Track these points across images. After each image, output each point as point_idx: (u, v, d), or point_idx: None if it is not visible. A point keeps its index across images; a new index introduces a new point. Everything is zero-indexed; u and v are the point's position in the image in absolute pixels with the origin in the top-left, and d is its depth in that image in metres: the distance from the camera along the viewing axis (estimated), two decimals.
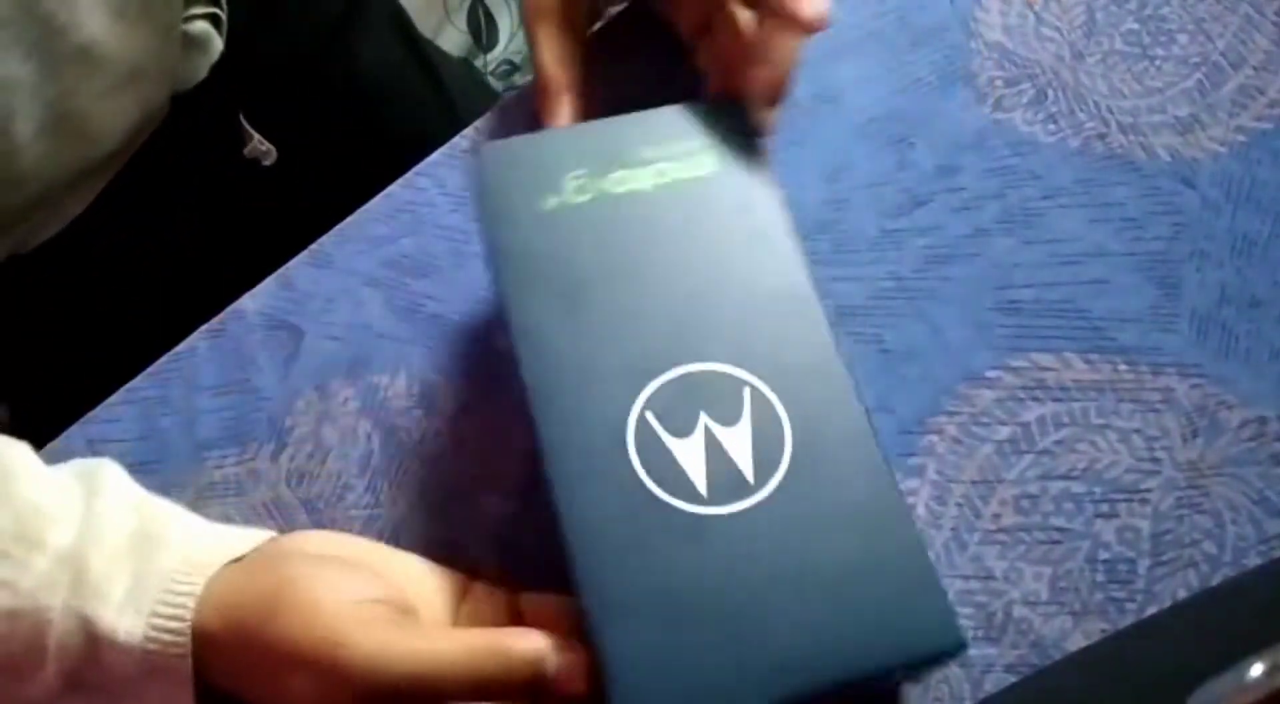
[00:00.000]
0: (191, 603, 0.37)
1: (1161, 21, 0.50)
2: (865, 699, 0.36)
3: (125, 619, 0.36)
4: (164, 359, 0.49)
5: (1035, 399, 0.45)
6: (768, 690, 0.34)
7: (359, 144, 0.65)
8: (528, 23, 0.47)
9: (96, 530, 0.37)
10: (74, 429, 0.48)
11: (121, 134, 0.53)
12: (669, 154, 0.43)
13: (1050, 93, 0.49)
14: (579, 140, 0.43)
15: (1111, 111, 0.49)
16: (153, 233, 0.60)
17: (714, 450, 0.37)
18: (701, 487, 0.37)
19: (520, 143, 0.43)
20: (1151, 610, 0.41)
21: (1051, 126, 0.49)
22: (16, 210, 0.52)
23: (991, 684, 0.41)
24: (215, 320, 0.50)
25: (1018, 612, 0.42)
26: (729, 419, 0.38)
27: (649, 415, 0.38)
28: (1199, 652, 0.36)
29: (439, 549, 0.46)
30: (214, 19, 0.56)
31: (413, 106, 0.69)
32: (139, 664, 0.36)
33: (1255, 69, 0.49)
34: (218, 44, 0.56)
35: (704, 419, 0.38)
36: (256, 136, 0.56)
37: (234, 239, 0.62)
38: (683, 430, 0.38)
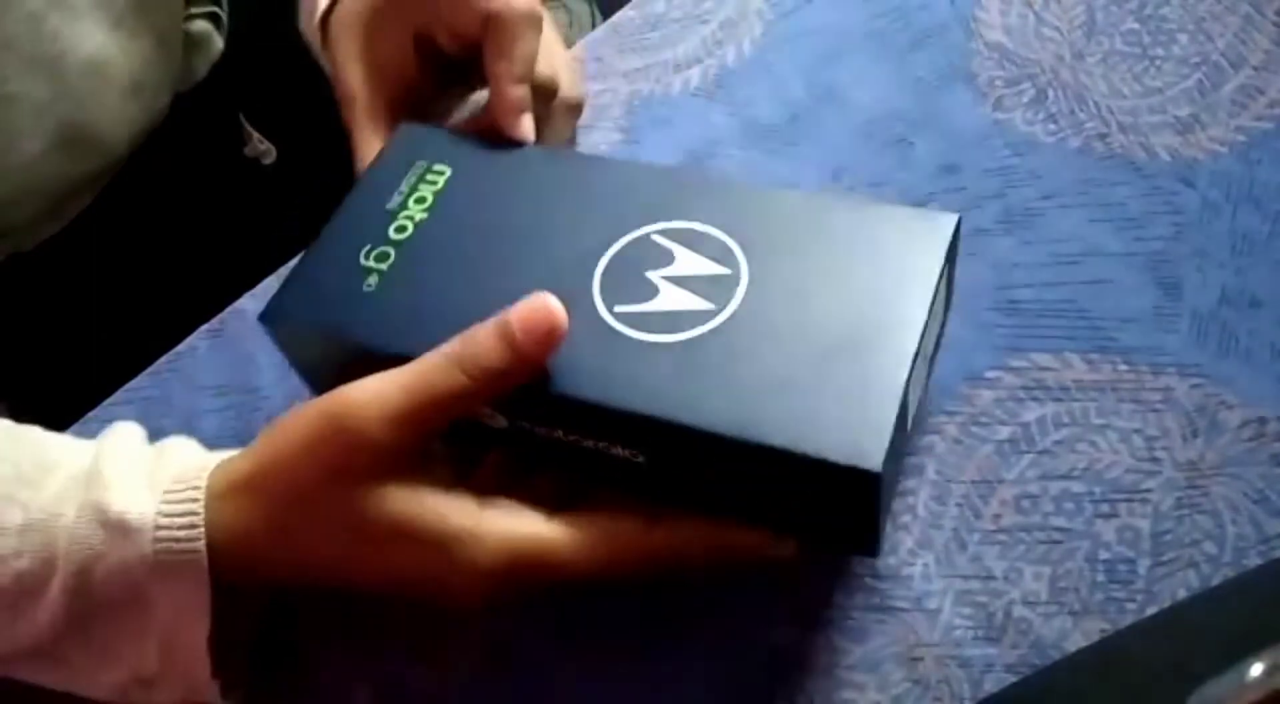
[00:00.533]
0: (204, 478, 0.37)
1: (1162, 21, 0.50)
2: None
3: (137, 499, 0.36)
4: (164, 359, 0.49)
5: (1035, 399, 0.45)
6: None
7: None
8: (342, 112, 0.46)
9: (110, 452, 0.38)
10: (74, 429, 0.48)
11: (127, 141, 0.53)
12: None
13: (1051, 93, 0.49)
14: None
15: (1112, 111, 0.49)
16: (153, 232, 0.60)
17: (674, 292, 0.39)
18: (674, 322, 0.39)
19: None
20: (1151, 610, 0.41)
21: (1052, 126, 0.49)
22: (22, 218, 0.52)
23: (991, 684, 0.41)
24: (215, 320, 0.50)
25: (1018, 612, 0.42)
26: (677, 262, 0.40)
27: (606, 289, 0.40)
28: (1199, 652, 0.36)
29: None
30: (214, 18, 0.56)
31: None
32: (149, 562, 0.36)
33: (1255, 69, 0.49)
34: (218, 44, 0.56)
35: (658, 275, 0.40)
36: (256, 136, 0.57)
37: (234, 239, 0.62)
38: (643, 293, 0.39)
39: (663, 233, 0.41)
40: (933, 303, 0.38)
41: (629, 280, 0.40)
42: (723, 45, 0.52)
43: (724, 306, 0.39)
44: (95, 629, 0.37)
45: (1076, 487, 0.43)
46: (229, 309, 0.50)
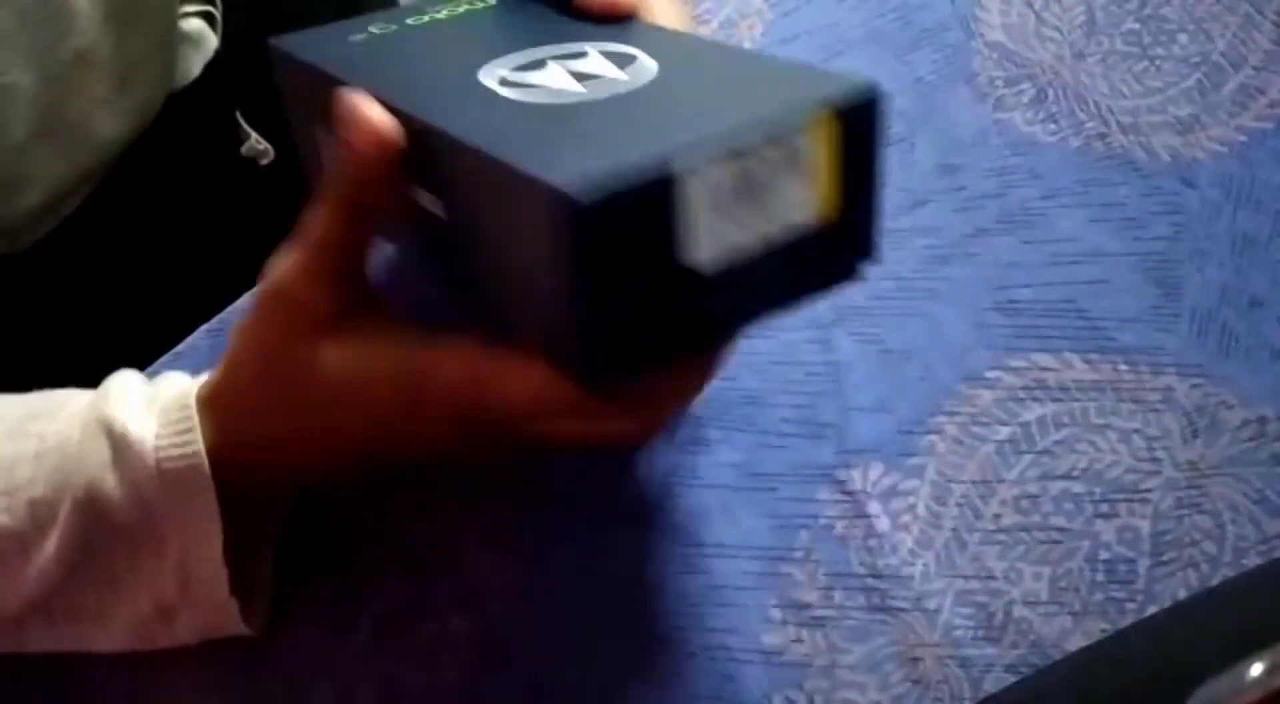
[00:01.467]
0: (193, 395, 0.38)
1: (1162, 21, 0.50)
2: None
3: (138, 418, 0.38)
4: (164, 359, 0.49)
5: (1035, 399, 0.45)
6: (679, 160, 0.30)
7: None
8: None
9: (114, 384, 0.40)
10: None
11: (119, 137, 0.53)
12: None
13: (1050, 92, 0.49)
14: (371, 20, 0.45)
15: (1112, 111, 0.49)
16: (151, 231, 0.60)
17: (563, 76, 0.36)
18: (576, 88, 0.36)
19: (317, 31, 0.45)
20: (1151, 610, 0.41)
21: (1052, 126, 0.49)
22: (13, 214, 0.52)
23: (991, 684, 0.41)
24: (215, 320, 0.50)
25: (1018, 612, 0.42)
26: (578, 57, 0.38)
27: (505, 75, 0.37)
28: (1199, 652, 0.36)
29: (439, 549, 0.46)
30: (208, 16, 0.56)
31: None
32: (154, 475, 0.37)
33: (1255, 69, 0.49)
34: (212, 41, 0.56)
35: (555, 63, 0.37)
36: (254, 135, 0.56)
37: (232, 239, 0.62)
38: (534, 69, 0.37)
39: (591, 48, 0.38)
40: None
41: (529, 64, 0.38)
42: None
43: (605, 90, 0.35)
44: (109, 556, 0.38)
45: (1076, 487, 0.43)
46: (229, 309, 0.50)
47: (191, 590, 0.39)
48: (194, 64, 0.55)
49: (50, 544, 0.38)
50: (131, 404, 0.39)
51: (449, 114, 0.35)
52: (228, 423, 0.38)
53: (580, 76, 0.37)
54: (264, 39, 0.49)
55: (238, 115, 0.57)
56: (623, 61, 0.38)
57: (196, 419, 0.38)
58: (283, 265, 0.38)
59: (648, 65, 0.37)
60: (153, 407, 0.39)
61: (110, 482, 0.37)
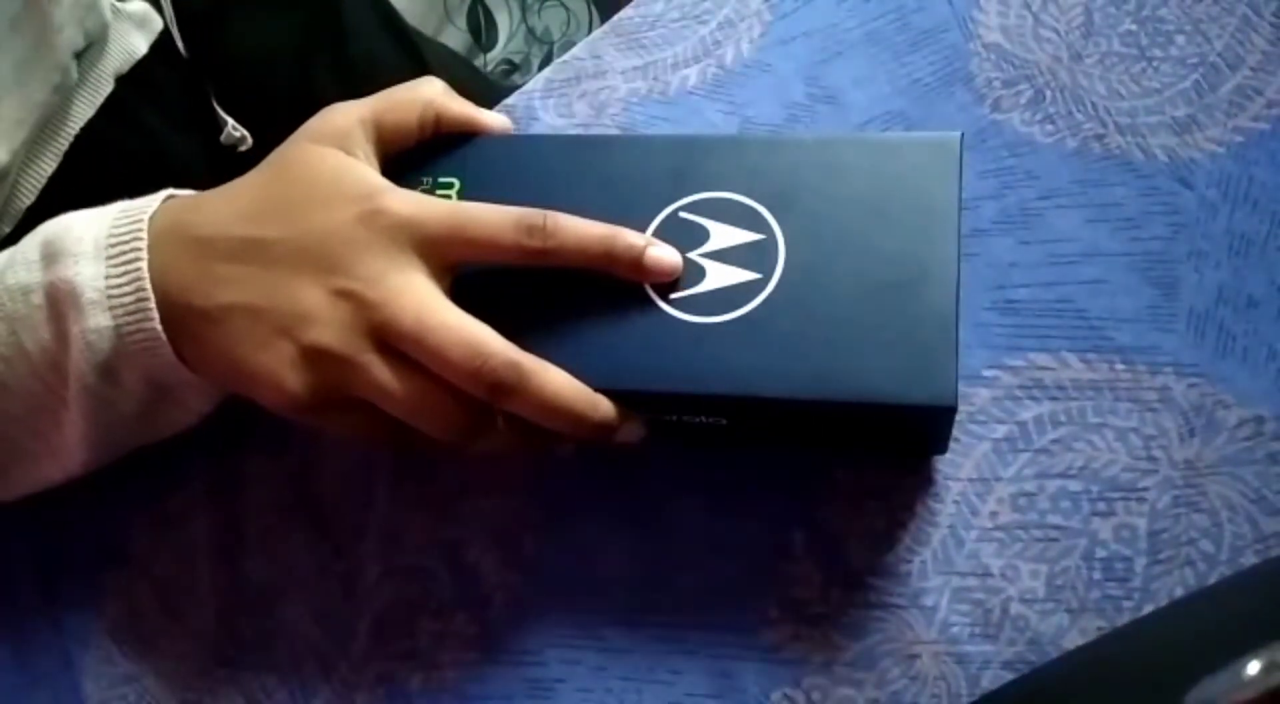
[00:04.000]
0: (144, 217, 0.42)
1: (1159, 23, 0.50)
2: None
3: (86, 268, 0.41)
4: None
5: (1033, 398, 0.45)
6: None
7: None
8: None
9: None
10: None
11: (33, 119, 0.51)
12: None
13: (1048, 94, 0.50)
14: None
15: (1109, 112, 0.49)
16: None
17: (719, 269, 0.41)
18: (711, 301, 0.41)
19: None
20: (1148, 609, 0.41)
21: (1049, 127, 0.49)
22: None
23: (988, 681, 0.41)
24: None
25: (1015, 609, 0.42)
26: (713, 238, 0.42)
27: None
28: (1195, 650, 0.36)
29: (440, 550, 0.46)
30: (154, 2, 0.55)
31: None
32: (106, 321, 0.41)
33: (1253, 70, 0.49)
34: (157, 23, 0.55)
35: (698, 254, 0.42)
36: (231, 122, 0.56)
37: None
38: (692, 277, 0.41)
39: (689, 208, 0.42)
40: (959, 226, 0.40)
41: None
42: (721, 45, 0.53)
43: (770, 273, 0.41)
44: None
45: (1073, 485, 0.43)
46: None
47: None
48: (138, 43, 0.54)
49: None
50: (81, 250, 0.41)
51: (690, 370, 0.40)
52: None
53: (723, 255, 0.42)
54: (229, 22, 0.50)
55: (214, 103, 0.56)
56: (730, 213, 0.42)
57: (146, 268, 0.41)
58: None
59: (762, 216, 0.42)
60: (98, 244, 0.42)
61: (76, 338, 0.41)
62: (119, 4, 0.53)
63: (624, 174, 0.43)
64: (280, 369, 0.40)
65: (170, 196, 0.44)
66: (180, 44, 0.55)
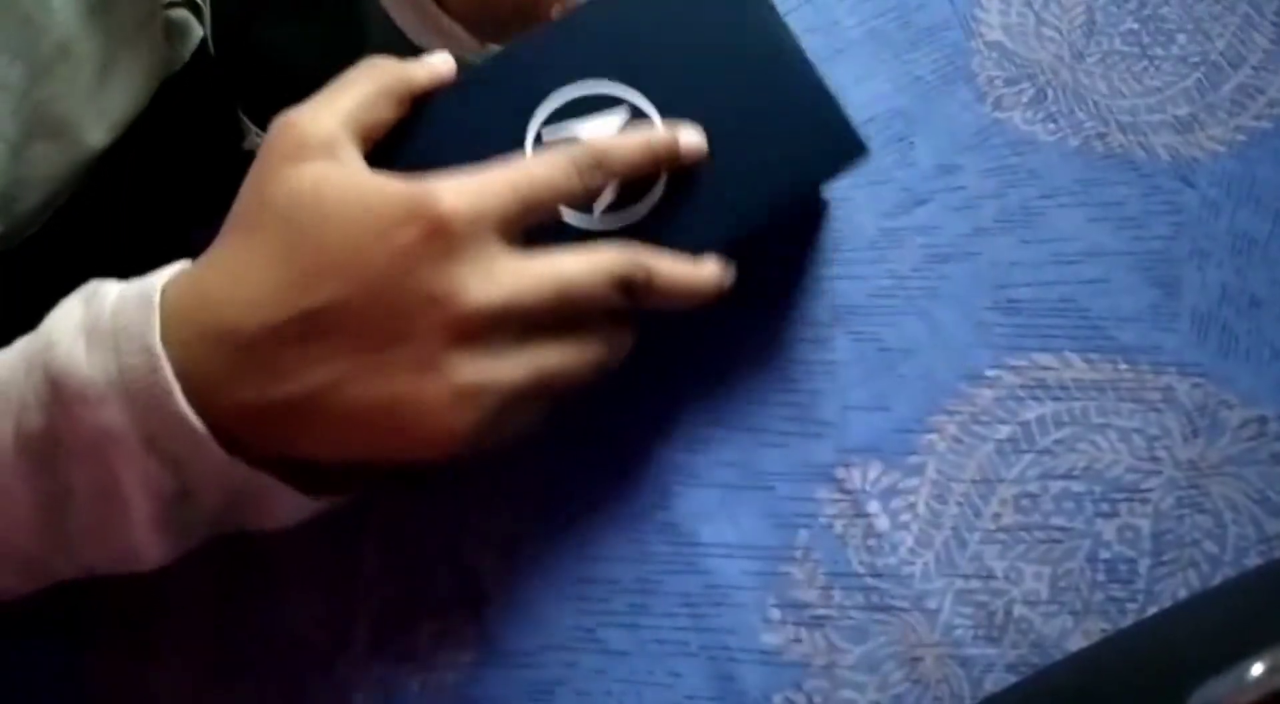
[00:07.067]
0: (156, 295, 0.36)
1: (1161, 21, 0.50)
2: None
3: (109, 414, 0.35)
4: None
5: (1035, 398, 0.45)
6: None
7: None
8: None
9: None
10: None
11: (107, 131, 0.53)
12: None
13: (1050, 92, 0.49)
14: None
15: (1111, 111, 0.49)
16: (152, 226, 0.59)
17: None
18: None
19: None
20: (1152, 610, 0.41)
21: (1051, 126, 0.49)
22: (14, 221, 0.52)
23: (992, 684, 0.41)
24: None
25: (1018, 611, 0.42)
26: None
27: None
28: (1199, 651, 0.36)
29: (440, 550, 0.46)
30: (193, 7, 0.56)
31: None
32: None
33: (1255, 68, 0.49)
34: (197, 30, 0.56)
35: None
36: (255, 129, 0.56)
37: None
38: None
39: (549, 125, 0.43)
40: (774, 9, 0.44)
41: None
42: None
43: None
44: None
45: (1077, 486, 0.43)
46: None
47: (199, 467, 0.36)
48: (181, 53, 0.55)
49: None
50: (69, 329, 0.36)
51: None
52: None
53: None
54: (257, 31, 0.50)
55: (239, 111, 0.57)
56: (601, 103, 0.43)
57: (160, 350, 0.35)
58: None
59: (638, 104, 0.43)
60: (100, 330, 0.36)
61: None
62: (167, 11, 0.54)
63: (479, 119, 0.43)
64: (434, 421, 0.36)
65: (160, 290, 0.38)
66: (213, 52, 0.56)
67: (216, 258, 0.38)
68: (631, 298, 0.39)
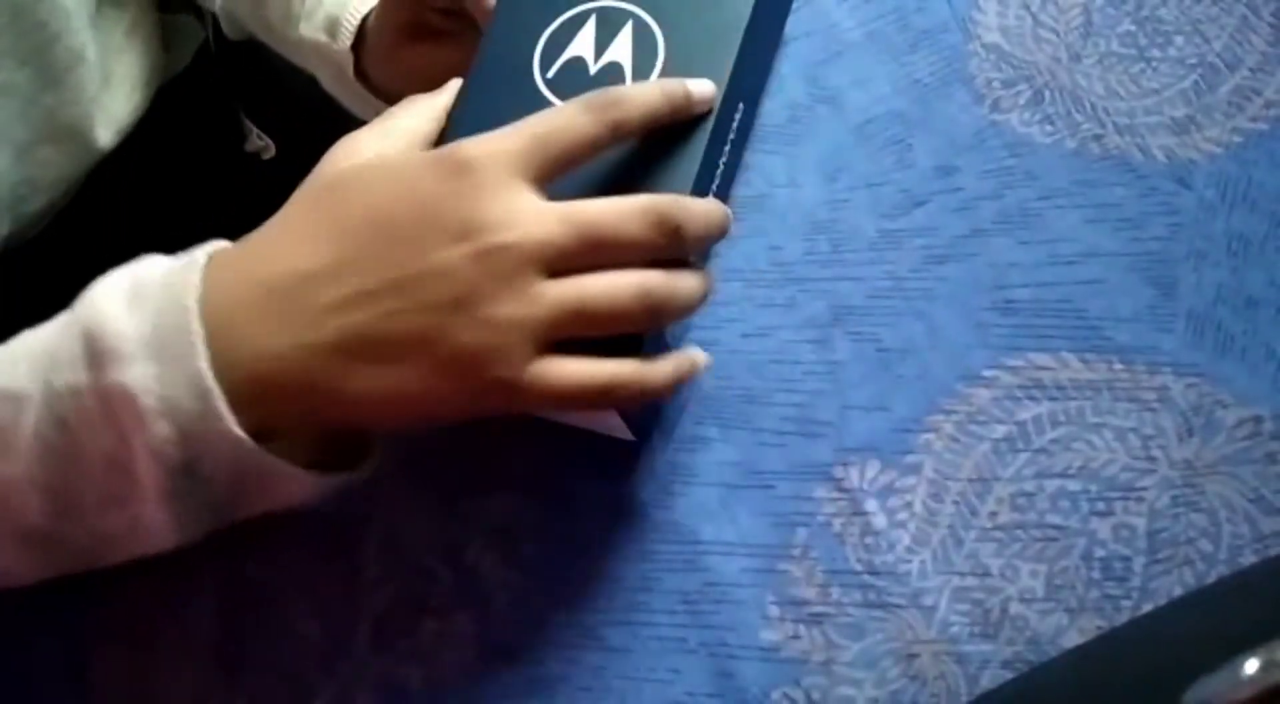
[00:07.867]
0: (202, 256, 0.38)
1: (1158, 23, 0.50)
2: None
3: (136, 370, 0.36)
4: None
5: (1032, 398, 0.45)
6: None
7: None
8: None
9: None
10: None
11: (114, 133, 0.53)
12: None
13: (1047, 94, 0.50)
14: None
15: (1108, 113, 0.49)
16: (152, 227, 0.60)
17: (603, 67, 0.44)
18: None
19: None
20: (1147, 608, 0.41)
21: (1049, 127, 0.49)
22: (22, 221, 0.52)
23: (987, 681, 0.41)
24: None
25: (1014, 609, 0.42)
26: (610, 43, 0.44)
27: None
28: (1194, 649, 0.36)
29: (440, 550, 0.46)
30: (196, 11, 0.56)
31: None
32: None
33: (1251, 70, 0.49)
34: (199, 34, 0.57)
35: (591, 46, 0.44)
36: (255, 131, 0.57)
37: (235, 234, 0.62)
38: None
39: (549, 76, 0.44)
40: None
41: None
42: None
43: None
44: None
45: (1073, 485, 0.43)
46: None
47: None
48: (183, 55, 0.56)
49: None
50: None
51: None
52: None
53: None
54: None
55: (241, 113, 0.57)
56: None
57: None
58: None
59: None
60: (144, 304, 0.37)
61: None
62: (169, 15, 0.54)
63: (495, 66, 0.44)
64: (470, 358, 0.37)
65: (210, 256, 0.39)
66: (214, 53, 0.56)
67: (262, 227, 0.40)
68: (674, 240, 0.39)
